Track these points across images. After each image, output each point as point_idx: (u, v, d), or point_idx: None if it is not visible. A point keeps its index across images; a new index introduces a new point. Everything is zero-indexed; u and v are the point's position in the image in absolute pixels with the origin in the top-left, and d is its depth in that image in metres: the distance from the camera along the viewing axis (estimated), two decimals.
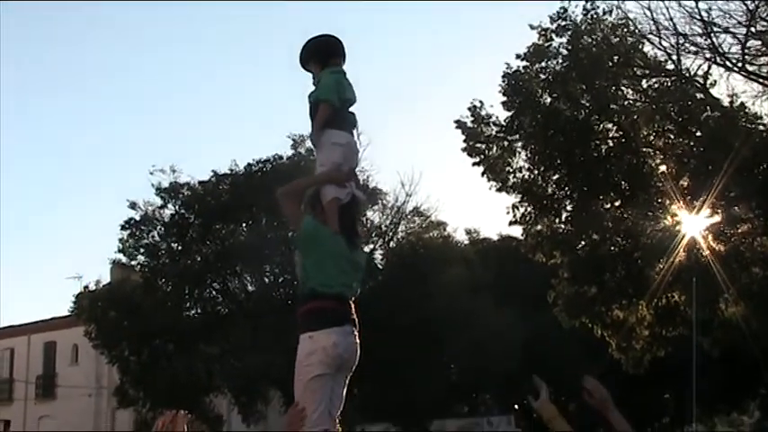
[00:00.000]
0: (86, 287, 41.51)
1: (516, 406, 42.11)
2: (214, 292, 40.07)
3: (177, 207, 39.40)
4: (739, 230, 26.77)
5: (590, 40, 27.41)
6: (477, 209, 75.40)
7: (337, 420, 6.13)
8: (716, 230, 26.32)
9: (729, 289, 25.48)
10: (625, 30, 27.33)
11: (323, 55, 6.45)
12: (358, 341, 6.13)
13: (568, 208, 28.62)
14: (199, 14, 64.16)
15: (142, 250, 39.29)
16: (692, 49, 26.03)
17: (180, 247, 39.32)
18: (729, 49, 25.69)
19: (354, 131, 6.48)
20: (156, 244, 39.39)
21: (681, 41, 25.89)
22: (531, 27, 27.88)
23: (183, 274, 38.16)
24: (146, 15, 66.76)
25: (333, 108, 6.23)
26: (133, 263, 39.77)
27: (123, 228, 39.06)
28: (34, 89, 70.00)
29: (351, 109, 6.47)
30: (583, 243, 28.66)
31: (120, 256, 39.65)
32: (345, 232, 6.08)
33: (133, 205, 39.32)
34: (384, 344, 30.88)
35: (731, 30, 25.27)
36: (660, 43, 26.41)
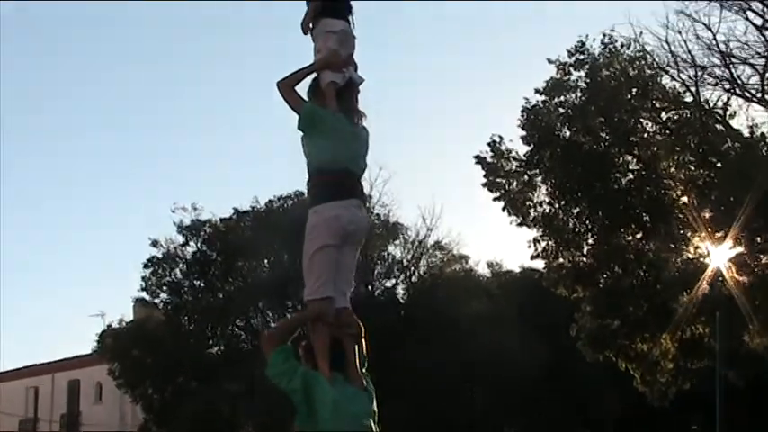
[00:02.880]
0: (109, 325, 41.66)
1: None
2: (237, 329, 40.13)
3: (199, 245, 39.58)
4: (763, 261, 26.63)
5: (608, 73, 27.48)
6: (499, 241, 75.17)
7: (348, 294, 6.25)
8: (739, 261, 26.17)
9: (753, 320, 25.31)
10: (643, 62, 27.38)
11: None
12: (365, 214, 6.36)
13: (590, 241, 28.57)
14: (218, 53, 64.62)
15: (165, 288, 39.44)
16: (711, 80, 26.07)
17: (202, 285, 39.46)
18: (749, 80, 25.72)
19: (350, 18, 6.62)
20: (178, 281, 39.53)
21: (699, 73, 25.93)
22: (550, 61, 27.99)
23: (205, 311, 38.27)
24: (168, 52, 67.35)
25: None
26: (156, 300, 39.93)
27: (146, 266, 39.28)
28: (58, 126, 70.63)
29: None
30: (605, 276, 28.56)
31: (143, 294, 39.84)
32: (345, 113, 6.25)
33: (155, 243, 39.55)
34: (407, 377, 30.85)
35: (750, 61, 25.31)
36: (679, 75, 26.47)
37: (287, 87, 6.26)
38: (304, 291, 6.09)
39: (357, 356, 6.07)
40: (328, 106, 6.20)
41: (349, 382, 5.94)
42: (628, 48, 27.47)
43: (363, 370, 6.15)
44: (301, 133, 6.23)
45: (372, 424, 5.99)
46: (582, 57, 27.65)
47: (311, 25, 6.53)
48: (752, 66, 25.37)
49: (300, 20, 6.58)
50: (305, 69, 6.37)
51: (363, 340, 6.23)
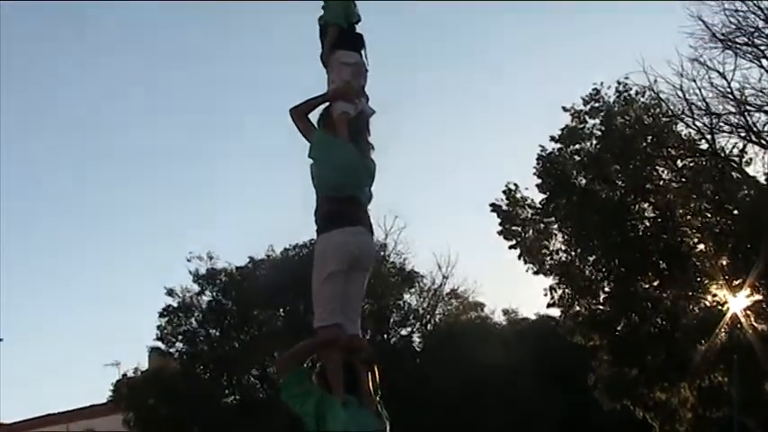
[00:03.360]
0: (125, 374, 41.56)
1: None
2: (253, 379, 39.98)
3: (215, 293, 39.60)
4: None
5: (623, 121, 27.56)
6: (515, 289, 74.86)
7: (358, 322, 6.25)
8: (757, 309, 26.00)
9: None
10: (658, 110, 27.45)
11: None
12: (372, 240, 6.44)
13: (606, 289, 28.47)
14: (230, 101, 65.01)
15: (180, 337, 39.39)
16: (726, 128, 26.09)
17: (218, 334, 39.40)
18: (764, 127, 25.72)
19: (363, 51, 6.73)
20: (194, 330, 39.49)
21: (714, 121, 25.96)
22: (565, 109, 28.12)
23: (221, 360, 38.17)
24: (182, 102, 67.81)
25: (340, 30, 6.62)
26: (171, 350, 39.84)
27: (161, 315, 39.27)
28: (72, 174, 70.98)
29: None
30: (622, 324, 28.40)
31: (159, 343, 39.78)
32: (355, 143, 6.34)
33: (171, 292, 39.57)
34: (424, 426, 30.60)
35: (765, 108, 25.32)
36: (694, 123, 26.50)
37: (299, 114, 6.37)
38: (314, 319, 6.11)
39: (370, 382, 6.07)
40: (339, 135, 6.27)
41: (363, 407, 5.93)
42: (642, 95, 27.59)
43: (378, 397, 6.14)
44: (311, 161, 6.29)
45: None
46: (597, 104, 27.78)
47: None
48: (767, 113, 25.38)
49: (319, 55, 6.73)
50: (318, 98, 6.49)
51: (376, 367, 6.23)
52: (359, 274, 6.23)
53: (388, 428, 6.08)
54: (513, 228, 28.48)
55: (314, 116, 6.46)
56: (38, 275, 72.52)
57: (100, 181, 69.54)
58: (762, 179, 26.34)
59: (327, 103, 6.47)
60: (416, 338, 40.99)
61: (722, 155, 26.53)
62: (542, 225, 28.30)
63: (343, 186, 6.20)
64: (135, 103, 66.36)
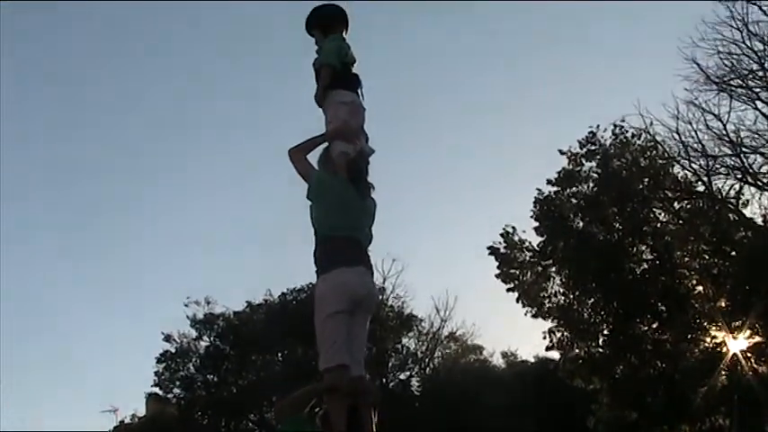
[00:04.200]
0: (122, 421, 41.33)
1: None
2: (251, 424, 39.73)
3: (212, 338, 39.48)
4: None
5: (620, 164, 27.66)
6: (514, 331, 74.60)
7: (362, 362, 6.15)
8: (757, 351, 25.92)
9: None
10: (654, 152, 27.56)
11: (325, 23, 6.80)
12: (373, 281, 6.33)
13: (605, 331, 28.40)
14: (226, 139, 65.18)
15: (178, 383, 39.22)
16: (723, 170, 26.17)
17: (216, 379, 39.22)
18: (760, 168, 25.79)
19: (359, 91, 6.71)
20: (191, 376, 39.32)
21: (711, 163, 26.05)
22: (561, 152, 28.24)
23: (219, 405, 37.96)
24: (179, 147, 68.04)
25: (335, 71, 6.58)
26: (169, 395, 39.64)
27: (159, 360, 39.10)
28: (67, 214, 70.93)
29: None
30: (621, 367, 28.29)
31: (156, 389, 39.58)
32: (355, 183, 6.27)
33: (168, 338, 39.47)
34: None
35: (761, 150, 25.41)
36: (690, 165, 26.60)
37: (298, 155, 6.33)
38: (319, 361, 6.05)
39: (372, 424, 6.01)
40: (338, 175, 6.26)
41: None
42: (638, 138, 27.72)
43: None
44: (310, 202, 6.27)
45: None
46: (593, 147, 27.91)
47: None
48: (763, 155, 25.48)
49: (313, 96, 6.69)
50: (316, 138, 6.45)
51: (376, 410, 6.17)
52: (361, 316, 6.17)
53: None
54: (512, 271, 28.48)
55: (312, 157, 6.45)
56: (33, 321, 72.18)
57: (96, 224, 69.55)
58: (759, 221, 26.38)
59: (326, 144, 6.47)
60: (415, 382, 40.82)
61: (719, 197, 26.59)
62: (540, 268, 28.30)
63: (343, 227, 6.15)
64: (135, 143, 66.53)
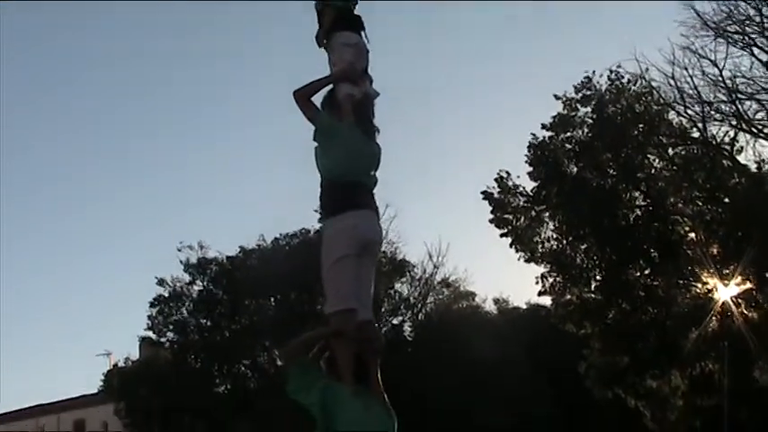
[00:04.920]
0: (116, 365, 41.50)
1: None
2: (244, 368, 39.93)
3: (206, 283, 39.50)
4: None
5: (615, 109, 27.52)
6: (506, 277, 74.86)
7: (370, 306, 6.14)
8: (748, 297, 26.04)
9: (763, 356, 25.12)
10: (650, 98, 27.43)
11: None
12: (379, 225, 6.29)
13: (598, 277, 28.46)
14: (222, 89, 64.83)
15: (171, 327, 39.29)
16: (718, 116, 26.11)
17: (209, 323, 39.32)
18: (755, 115, 25.74)
19: (362, 33, 6.61)
20: (184, 320, 39.39)
21: (706, 109, 25.97)
22: (557, 97, 28.08)
23: (212, 349, 38.10)
24: (171, 89, 67.64)
25: (337, 11, 6.49)
26: (162, 339, 39.74)
27: (152, 305, 39.15)
28: (63, 163, 70.79)
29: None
30: (613, 312, 28.41)
31: (150, 333, 39.67)
32: (361, 125, 6.21)
33: (162, 282, 39.45)
34: (414, 415, 30.55)
35: (756, 96, 25.33)
36: (685, 111, 26.51)
37: (303, 98, 6.21)
38: (325, 305, 6.00)
39: (377, 372, 5.97)
40: (344, 119, 6.17)
41: (373, 396, 5.82)
42: (634, 84, 27.56)
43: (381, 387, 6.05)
44: (315, 144, 6.19)
45: None
46: (588, 93, 27.74)
47: (325, 39, 6.55)
48: (758, 101, 25.42)
49: (314, 35, 6.61)
50: (322, 80, 6.34)
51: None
52: (368, 259, 6.10)
53: (395, 420, 5.98)
54: (505, 216, 28.44)
55: (317, 99, 6.35)
56: (27, 267, 72.33)
57: (90, 172, 69.42)
58: (753, 167, 26.38)
59: (331, 86, 6.38)
60: (408, 328, 40.97)
61: (713, 143, 26.54)
62: (534, 213, 28.27)
63: (350, 171, 6.07)
64: (126, 95, 66.21)
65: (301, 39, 6.89)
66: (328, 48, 6.54)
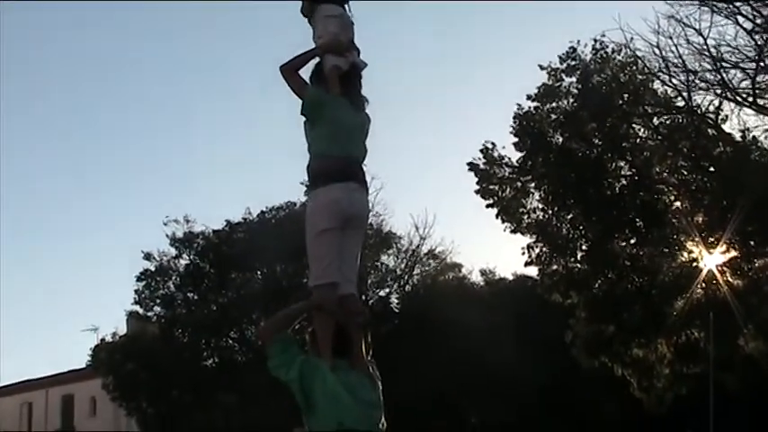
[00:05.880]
0: (103, 339, 41.53)
1: None
2: (231, 341, 40.02)
3: (192, 257, 39.51)
4: (756, 265, 26.63)
5: (600, 79, 27.50)
6: (493, 249, 75.12)
7: (354, 280, 6.14)
8: (733, 265, 26.19)
9: (748, 324, 25.28)
10: (634, 68, 27.40)
11: None
12: (366, 197, 6.26)
13: (584, 247, 28.55)
14: (207, 62, 64.66)
15: (158, 301, 39.32)
16: (703, 85, 26.06)
17: (196, 297, 39.36)
18: (739, 84, 25.71)
19: (346, 5, 6.58)
20: (171, 294, 39.42)
21: (691, 78, 25.93)
22: (541, 67, 28.02)
23: (199, 323, 38.16)
24: (157, 63, 67.37)
25: None
26: (149, 314, 39.79)
27: (139, 279, 39.16)
28: (48, 138, 70.56)
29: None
30: (599, 282, 28.53)
31: (137, 308, 39.70)
32: (348, 97, 6.19)
33: (148, 256, 39.44)
34: (401, 388, 30.69)
35: (741, 65, 25.29)
36: (670, 80, 26.46)
37: (290, 72, 6.19)
38: (309, 279, 6.01)
39: (363, 343, 5.98)
40: (331, 91, 6.14)
41: (353, 369, 5.82)
42: (619, 53, 27.50)
43: (369, 357, 6.06)
44: (303, 118, 6.17)
45: (376, 412, 5.87)
46: (573, 63, 27.70)
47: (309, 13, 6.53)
48: (743, 70, 25.37)
49: (299, 8, 6.58)
50: (308, 53, 6.31)
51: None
52: (353, 232, 6.08)
53: (380, 389, 5.99)
54: (491, 187, 28.46)
55: (305, 72, 6.33)
56: (12, 241, 72.17)
57: (75, 146, 69.17)
58: (737, 136, 26.41)
59: (318, 59, 6.34)
60: (394, 299, 41.09)
61: (698, 112, 26.56)
62: (519, 184, 28.30)
63: (337, 143, 6.05)
64: (109, 70, 65.88)
65: (287, 11, 6.86)
66: (312, 21, 6.52)
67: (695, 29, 25.28)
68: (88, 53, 67.26)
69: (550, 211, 28.22)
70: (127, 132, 68.54)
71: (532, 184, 28.33)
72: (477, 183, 28.52)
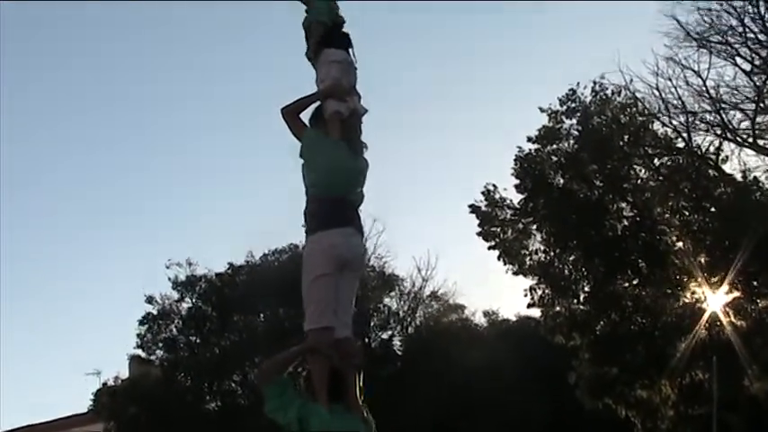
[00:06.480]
0: (105, 383, 41.30)
1: None
2: (234, 384, 39.84)
3: (194, 300, 39.45)
4: (760, 305, 26.57)
5: (600, 121, 27.65)
6: (496, 290, 74.87)
7: (349, 323, 6.17)
8: (736, 306, 26.13)
9: (752, 365, 25.19)
10: (634, 109, 27.58)
11: None
12: (362, 242, 6.40)
13: (586, 288, 28.55)
14: (207, 105, 64.93)
15: (161, 344, 39.21)
16: (703, 126, 26.25)
17: (198, 340, 39.25)
18: (739, 124, 25.90)
19: (350, 50, 6.67)
20: (174, 338, 39.32)
21: (690, 119, 26.12)
22: (541, 110, 28.19)
23: (201, 367, 38.02)
24: (156, 107, 67.68)
25: (326, 28, 6.58)
26: (152, 357, 39.66)
27: (141, 322, 39.07)
28: (51, 180, 70.68)
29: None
30: (602, 323, 28.47)
31: (139, 351, 39.58)
32: (347, 142, 6.26)
33: (150, 299, 39.38)
34: (403, 429, 30.54)
35: (740, 106, 25.50)
36: (670, 121, 26.66)
37: (291, 114, 6.27)
38: (304, 322, 6.04)
39: (357, 386, 5.99)
40: (331, 135, 6.18)
41: (349, 413, 5.84)
42: (618, 95, 27.71)
43: (361, 401, 6.07)
44: (302, 161, 6.21)
45: None
46: (573, 104, 27.87)
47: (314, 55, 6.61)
48: (742, 110, 25.57)
49: (305, 53, 6.66)
50: (309, 97, 6.39)
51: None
52: (349, 277, 6.16)
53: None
54: (493, 229, 28.52)
55: (305, 115, 6.38)
56: (14, 285, 72.03)
57: (76, 187, 69.25)
58: (738, 177, 26.50)
59: (319, 102, 6.39)
60: (397, 342, 40.92)
61: (699, 153, 26.69)
62: (521, 225, 28.36)
63: (335, 187, 6.13)
64: (110, 111, 66.15)
65: (294, 55, 6.94)
66: (316, 64, 6.59)
67: (694, 70, 25.54)
68: (92, 91, 67.57)
69: (552, 253, 28.24)
70: (129, 174, 68.64)
71: (534, 226, 28.39)
72: (479, 225, 28.61)
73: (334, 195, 6.09)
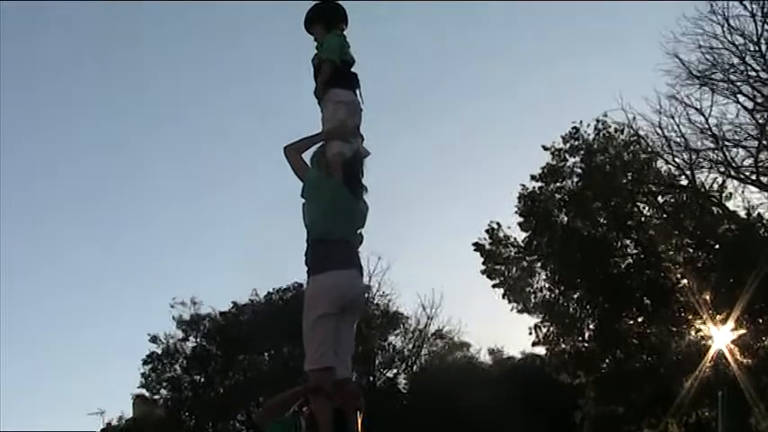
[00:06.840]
0: (109, 423, 41.14)
1: None
2: (238, 424, 39.69)
3: (199, 339, 39.42)
4: (766, 342, 26.47)
5: (603, 159, 27.72)
6: (501, 327, 74.57)
7: (349, 364, 6.14)
8: (742, 343, 26.03)
9: (758, 403, 25.04)
10: (637, 147, 27.64)
11: (327, 19, 6.71)
12: (363, 284, 6.37)
13: (591, 326, 28.47)
14: (214, 146, 65.09)
15: (165, 384, 39.14)
16: (706, 163, 26.26)
17: (202, 380, 39.17)
18: (742, 162, 25.89)
19: (357, 91, 6.65)
20: (178, 377, 39.25)
21: (694, 157, 26.13)
22: (545, 148, 28.27)
23: (206, 406, 37.91)
24: (163, 144, 67.85)
25: (335, 67, 6.51)
26: (156, 396, 39.55)
27: (145, 362, 39.02)
28: (55, 219, 70.73)
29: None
30: (607, 361, 28.38)
31: (143, 391, 39.49)
32: (349, 184, 6.23)
33: (154, 339, 39.38)
34: None
35: (743, 143, 25.51)
36: (673, 159, 26.67)
37: (293, 153, 6.27)
38: (305, 362, 6.05)
39: (359, 426, 6.00)
40: (333, 176, 6.23)
41: None
42: (621, 132, 27.79)
43: None
44: (303, 201, 6.23)
45: None
46: (576, 143, 27.95)
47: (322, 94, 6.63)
48: (745, 148, 25.59)
49: (313, 91, 6.65)
50: (313, 137, 6.38)
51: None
52: (350, 318, 6.16)
53: None
54: (497, 266, 28.53)
55: (307, 155, 6.40)
56: (17, 323, 71.90)
57: (80, 228, 69.28)
58: (742, 214, 26.49)
59: (322, 142, 6.43)
60: (402, 380, 40.81)
61: (702, 190, 26.69)
62: (525, 263, 28.37)
63: (336, 229, 6.11)
64: (115, 153, 66.38)
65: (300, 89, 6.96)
66: (322, 103, 6.62)
67: (696, 108, 25.59)
68: (101, 135, 67.86)
69: (557, 291, 28.22)
70: (133, 215, 68.73)
71: (538, 264, 28.39)
72: (483, 263, 28.63)
73: (336, 237, 6.10)
